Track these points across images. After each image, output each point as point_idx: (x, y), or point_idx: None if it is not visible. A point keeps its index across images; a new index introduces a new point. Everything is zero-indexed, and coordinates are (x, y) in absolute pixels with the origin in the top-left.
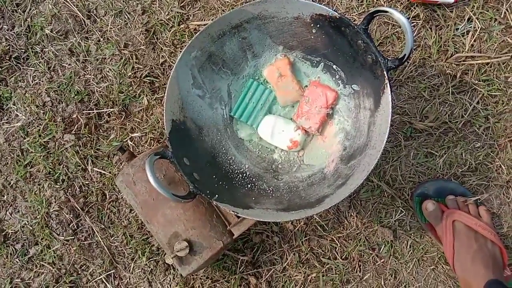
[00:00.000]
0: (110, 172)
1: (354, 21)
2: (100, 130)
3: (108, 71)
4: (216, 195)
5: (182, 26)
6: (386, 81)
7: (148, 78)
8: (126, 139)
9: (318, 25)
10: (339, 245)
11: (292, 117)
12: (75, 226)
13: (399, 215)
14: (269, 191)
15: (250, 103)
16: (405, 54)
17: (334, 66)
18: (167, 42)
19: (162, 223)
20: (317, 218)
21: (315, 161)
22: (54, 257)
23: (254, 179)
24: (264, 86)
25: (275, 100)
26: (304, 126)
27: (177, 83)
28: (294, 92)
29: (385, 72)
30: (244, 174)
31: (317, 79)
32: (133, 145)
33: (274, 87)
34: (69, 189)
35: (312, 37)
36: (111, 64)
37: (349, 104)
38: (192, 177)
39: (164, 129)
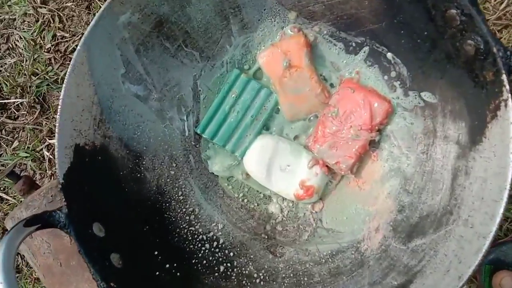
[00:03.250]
0: (15, 198)
1: None
2: (3, 132)
3: (17, 40)
4: None
5: None
6: (506, 94)
7: None
8: (41, 147)
9: None
10: None
11: (306, 143)
12: None
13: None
14: (258, 280)
15: (232, 112)
16: None
17: (390, 55)
18: None
19: None
20: None
21: (343, 226)
22: None
23: (232, 254)
24: (258, 83)
25: (276, 108)
26: (327, 159)
27: (89, 73)
28: (311, 98)
29: (503, 77)
30: (215, 244)
31: (355, 75)
32: (52, 157)
33: (277, 86)
34: None
35: None
36: (22, 28)
37: (413, 127)
38: (107, 263)
39: None
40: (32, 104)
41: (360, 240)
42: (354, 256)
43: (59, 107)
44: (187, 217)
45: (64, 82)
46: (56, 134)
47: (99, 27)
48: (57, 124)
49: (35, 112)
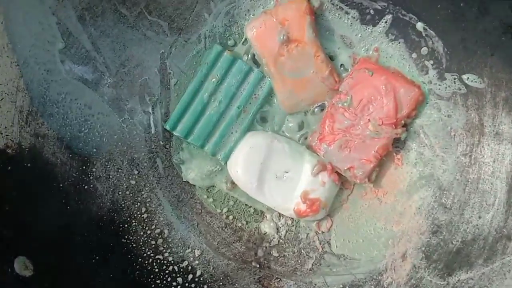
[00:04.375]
0: None
1: None
2: None
3: None
4: None
5: None
6: None
7: None
8: None
9: None
10: None
11: (309, 142)
12: None
13: None
14: None
15: (212, 102)
16: None
17: (420, 25)
18: None
19: None
20: None
21: (359, 251)
22: None
23: None
24: (246, 63)
25: (270, 97)
26: (337, 164)
27: (9, 47)
28: (316, 82)
29: None
30: (190, 277)
31: (373, 53)
32: None
33: (271, 67)
34: None
35: None
36: None
37: (451, 121)
38: None
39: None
40: None
41: (382, 271)
42: None
43: None
44: (153, 242)
45: None
46: None
47: None
48: None
49: None
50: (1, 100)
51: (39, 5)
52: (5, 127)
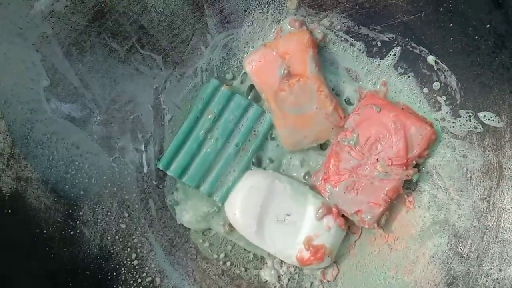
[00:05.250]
0: None
1: None
2: None
3: None
4: None
5: None
6: None
7: None
8: None
9: None
10: None
11: (313, 182)
12: None
13: None
14: None
15: (208, 140)
16: None
17: (432, 58)
18: None
19: None
20: None
21: None
22: None
23: None
24: (245, 98)
25: (271, 134)
26: (343, 207)
27: None
28: (319, 119)
29: None
30: None
31: (381, 88)
32: None
33: (272, 102)
34: None
35: None
36: None
37: (467, 162)
38: None
39: None
40: None
41: None
42: None
43: None
44: None
45: None
46: None
47: (1, 17)
48: None
49: None
50: None
51: (21, 42)
52: None
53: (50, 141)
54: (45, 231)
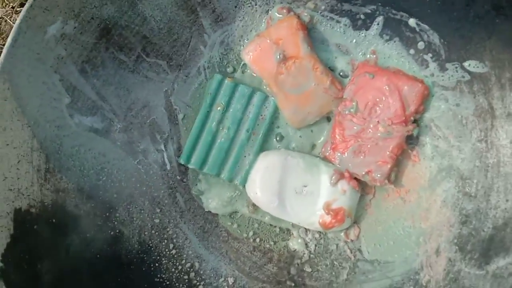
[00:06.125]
0: None
1: None
2: None
3: None
4: None
5: None
6: None
7: None
8: None
9: None
10: None
11: (323, 153)
12: None
13: None
14: None
15: (221, 130)
16: None
17: (413, 21)
18: None
19: None
20: None
21: (392, 254)
22: None
23: None
24: (248, 87)
25: (277, 115)
26: (354, 170)
27: (18, 111)
28: (319, 94)
29: None
30: None
31: (371, 56)
32: None
33: (273, 86)
34: None
35: None
36: None
37: (460, 109)
38: None
39: None
40: None
41: (418, 270)
42: None
43: None
44: (186, 276)
45: None
46: None
47: (20, 46)
48: None
49: None
50: (18, 162)
51: (40, 65)
52: (26, 188)
53: (79, 153)
54: (88, 235)
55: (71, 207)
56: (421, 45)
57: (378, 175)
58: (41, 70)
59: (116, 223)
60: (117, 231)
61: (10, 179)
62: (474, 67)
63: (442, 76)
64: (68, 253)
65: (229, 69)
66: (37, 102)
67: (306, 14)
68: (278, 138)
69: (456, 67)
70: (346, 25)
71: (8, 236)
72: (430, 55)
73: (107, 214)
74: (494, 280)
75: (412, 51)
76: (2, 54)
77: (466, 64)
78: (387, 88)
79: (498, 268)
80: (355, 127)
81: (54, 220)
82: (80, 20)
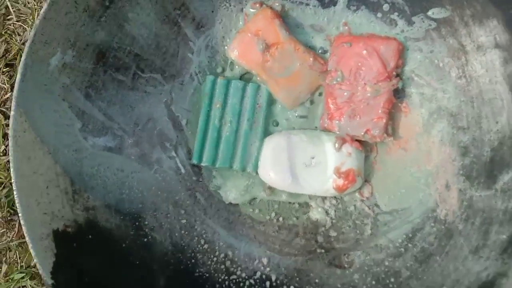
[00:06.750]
0: None
1: None
2: None
3: None
4: None
5: None
6: None
7: None
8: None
9: None
10: None
11: (322, 125)
12: None
13: None
14: None
15: (224, 125)
16: None
17: None
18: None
19: None
20: None
21: (407, 200)
22: None
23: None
24: (240, 81)
25: (272, 100)
26: (354, 133)
27: (38, 140)
28: (305, 72)
29: None
30: (268, 284)
31: (344, 28)
32: None
33: (262, 75)
34: None
35: None
36: None
37: (435, 55)
38: None
39: None
40: (9, 218)
41: (434, 208)
42: (437, 228)
43: (14, 193)
44: (223, 266)
45: (10, 160)
46: (23, 228)
47: (28, 80)
48: (20, 215)
49: (15, 225)
50: (47, 188)
51: (49, 95)
52: (58, 210)
53: (99, 172)
54: (123, 245)
55: (102, 222)
56: (386, 7)
57: (377, 131)
58: (51, 99)
59: (147, 230)
60: (150, 237)
61: (43, 203)
62: (437, 13)
63: (412, 29)
64: (109, 263)
65: (219, 70)
66: (53, 129)
67: (277, 4)
68: (277, 123)
69: (422, 18)
70: (315, 6)
71: (52, 256)
72: (396, 14)
73: (137, 223)
74: (504, 195)
75: (379, 15)
76: (15, 90)
77: (429, 13)
78: (365, 52)
79: (505, 183)
80: (345, 94)
81: (90, 236)
82: (77, 49)
